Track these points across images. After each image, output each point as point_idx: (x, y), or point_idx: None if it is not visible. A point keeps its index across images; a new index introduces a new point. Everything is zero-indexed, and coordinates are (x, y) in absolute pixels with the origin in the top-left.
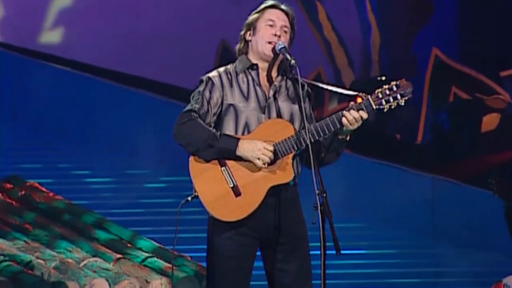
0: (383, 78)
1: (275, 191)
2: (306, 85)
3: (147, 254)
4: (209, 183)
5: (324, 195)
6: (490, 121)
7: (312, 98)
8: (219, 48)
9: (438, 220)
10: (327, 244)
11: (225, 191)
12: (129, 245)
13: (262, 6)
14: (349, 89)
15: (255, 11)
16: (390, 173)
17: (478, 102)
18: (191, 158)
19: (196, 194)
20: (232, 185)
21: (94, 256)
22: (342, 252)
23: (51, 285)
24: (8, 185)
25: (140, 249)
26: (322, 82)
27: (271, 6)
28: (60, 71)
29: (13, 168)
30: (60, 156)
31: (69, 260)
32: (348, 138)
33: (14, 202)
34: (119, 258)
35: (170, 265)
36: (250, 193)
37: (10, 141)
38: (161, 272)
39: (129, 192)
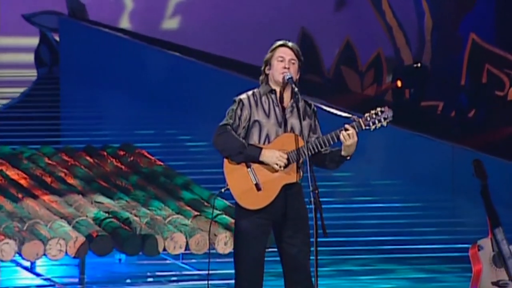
0: (418, 65)
1: (287, 187)
2: (312, 105)
3: (218, 212)
4: (238, 180)
5: (317, 191)
6: None
7: (316, 114)
8: (300, 34)
9: (457, 180)
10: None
11: (249, 187)
12: (206, 204)
13: (274, 46)
14: (346, 112)
15: (270, 50)
16: (420, 142)
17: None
18: (225, 160)
19: (227, 187)
20: (255, 182)
21: (177, 213)
22: (381, 205)
23: (141, 238)
24: (121, 152)
25: (214, 207)
26: (326, 105)
27: (280, 45)
28: (172, 56)
29: (131, 134)
30: (169, 124)
31: (158, 217)
32: (348, 158)
33: (123, 167)
34: (196, 215)
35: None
36: (268, 189)
37: (129, 113)
38: (227, 227)
39: (219, 154)
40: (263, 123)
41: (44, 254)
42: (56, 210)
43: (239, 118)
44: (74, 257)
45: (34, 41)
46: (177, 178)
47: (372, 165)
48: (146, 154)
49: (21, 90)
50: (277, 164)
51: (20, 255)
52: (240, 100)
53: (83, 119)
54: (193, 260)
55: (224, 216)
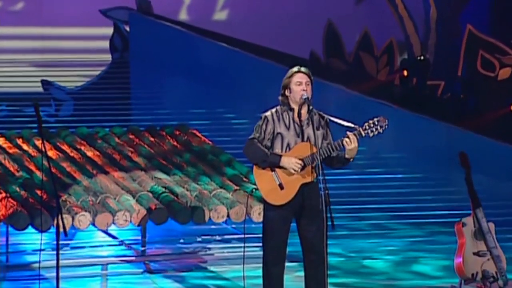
0: (422, 57)
1: (304, 186)
2: (325, 117)
3: (254, 187)
4: (265, 182)
5: (327, 191)
6: (504, 73)
7: (329, 124)
8: (326, 24)
9: (452, 155)
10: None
11: (274, 187)
12: (244, 179)
13: (290, 73)
14: (350, 121)
15: (287, 76)
16: (422, 122)
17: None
18: (254, 167)
19: (257, 187)
20: (278, 183)
21: (221, 187)
22: (387, 176)
23: (191, 210)
24: (177, 132)
25: (250, 180)
26: (334, 116)
27: (297, 72)
28: (220, 46)
29: (186, 112)
30: (217, 103)
31: (204, 191)
32: (351, 159)
33: (178, 145)
34: (236, 190)
35: None
36: (289, 188)
37: (185, 94)
38: (260, 200)
39: None
40: (284, 134)
41: (113, 223)
42: (123, 185)
43: (264, 132)
44: (137, 226)
45: (109, 31)
46: (222, 155)
47: (382, 141)
48: (197, 133)
49: (97, 72)
50: (293, 169)
51: (93, 224)
52: (265, 117)
53: (149, 99)
54: (233, 226)
55: (259, 190)
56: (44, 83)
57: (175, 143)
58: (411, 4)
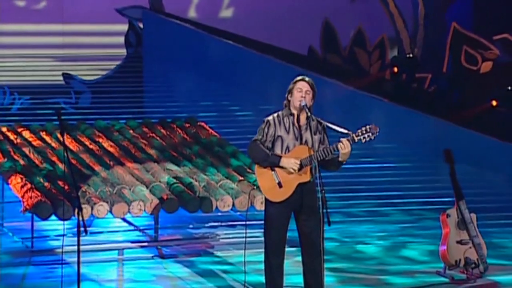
0: (411, 55)
1: (301, 185)
2: (323, 123)
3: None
4: (265, 180)
5: (323, 192)
6: (486, 66)
7: (326, 129)
8: (323, 22)
9: (439, 146)
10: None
11: (273, 185)
12: (248, 170)
13: (295, 80)
14: (345, 128)
15: (292, 82)
16: (411, 115)
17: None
18: (256, 166)
19: (258, 185)
20: (277, 181)
21: (227, 178)
22: (380, 165)
23: (199, 200)
24: (187, 125)
25: (254, 173)
26: (331, 123)
27: (300, 80)
28: (225, 43)
29: (194, 105)
30: (223, 96)
31: (212, 182)
32: (344, 162)
33: (188, 138)
34: (240, 180)
35: None
36: (287, 186)
37: (193, 87)
38: None
39: (259, 122)
40: (284, 137)
41: (129, 212)
42: (138, 176)
43: (266, 135)
44: (150, 214)
45: (124, 27)
46: (227, 147)
47: None
48: (205, 126)
49: (113, 66)
50: (292, 169)
51: (111, 213)
52: (268, 120)
53: (161, 92)
54: (238, 213)
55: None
56: (65, 76)
57: (185, 136)
58: (401, 2)
